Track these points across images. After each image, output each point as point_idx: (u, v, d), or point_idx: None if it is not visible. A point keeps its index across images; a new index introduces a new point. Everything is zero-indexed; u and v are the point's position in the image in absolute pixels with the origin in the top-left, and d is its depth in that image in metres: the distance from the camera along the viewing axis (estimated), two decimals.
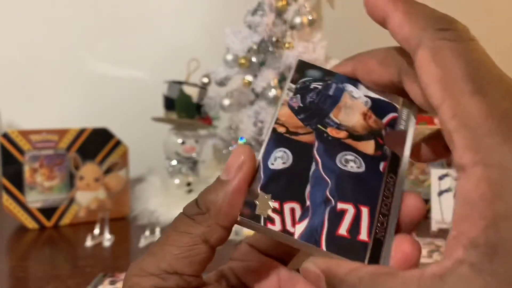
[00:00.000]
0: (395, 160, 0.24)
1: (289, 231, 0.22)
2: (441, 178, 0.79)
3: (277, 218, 0.22)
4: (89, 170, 0.84)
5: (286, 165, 0.24)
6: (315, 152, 0.24)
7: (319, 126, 0.25)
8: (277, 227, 0.22)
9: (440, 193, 0.79)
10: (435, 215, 0.77)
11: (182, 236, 0.23)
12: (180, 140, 0.90)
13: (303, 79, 0.26)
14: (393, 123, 0.25)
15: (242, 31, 0.85)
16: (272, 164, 0.24)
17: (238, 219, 0.23)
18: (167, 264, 0.23)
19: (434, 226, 0.76)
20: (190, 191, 0.89)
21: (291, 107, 0.26)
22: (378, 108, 0.25)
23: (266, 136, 0.25)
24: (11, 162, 0.79)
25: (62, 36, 1.18)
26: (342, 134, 0.25)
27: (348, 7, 1.24)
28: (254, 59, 0.84)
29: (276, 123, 0.25)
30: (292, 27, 0.84)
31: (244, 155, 0.23)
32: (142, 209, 0.86)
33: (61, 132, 0.82)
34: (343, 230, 0.22)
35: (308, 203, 0.23)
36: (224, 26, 0.87)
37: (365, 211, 0.22)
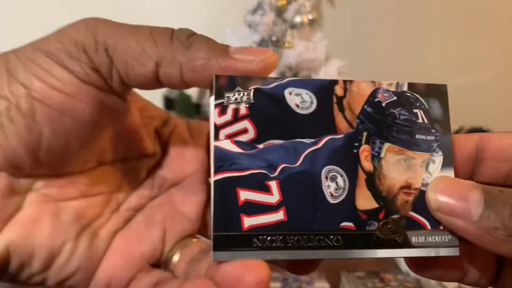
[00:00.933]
0: (359, 241, 0.20)
1: (219, 135, 0.19)
2: None
3: (229, 115, 0.20)
4: None
5: (295, 109, 0.20)
6: (328, 137, 0.20)
7: (365, 133, 0.20)
8: (220, 119, 0.19)
9: None
10: None
11: (147, 39, 0.19)
12: None
13: (422, 97, 0.21)
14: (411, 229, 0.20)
15: (242, 30, 0.85)
16: (290, 94, 0.20)
17: (213, 76, 0.19)
18: (109, 50, 0.19)
19: None
20: None
21: (374, 95, 0.21)
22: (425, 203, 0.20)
23: (323, 78, 0.20)
24: None
25: None
26: (367, 165, 0.20)
27: (348, 6, 1.24)
28: None
29: (346, 82, 0.21)
30: (292, 26, 0.84)
31: (272, 58, 0.20)
32: None
33: None
34: (248, 196, 0.19)
35: (261, 146, 0.20)
36: (224, 26, 0.86)
37: (279, 216, 0.19)
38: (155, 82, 0.20)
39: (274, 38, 0.82)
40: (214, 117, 0.20)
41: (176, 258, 0.22)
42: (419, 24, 1.29)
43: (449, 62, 1.27)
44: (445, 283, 0.59)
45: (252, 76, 0.20)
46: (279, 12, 0.84)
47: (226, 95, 0.20)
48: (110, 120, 0.21)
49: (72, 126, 0.19)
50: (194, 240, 0.23)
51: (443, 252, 0.20)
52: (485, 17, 1.28)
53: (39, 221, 0.20)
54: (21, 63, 0.19)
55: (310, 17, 0.84)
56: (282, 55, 0.82)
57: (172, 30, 0.20)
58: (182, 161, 0.24)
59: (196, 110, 0.91)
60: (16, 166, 0.19)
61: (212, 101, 0.20)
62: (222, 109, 0.20)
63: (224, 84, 0.20)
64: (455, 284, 0.58)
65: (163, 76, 0.20)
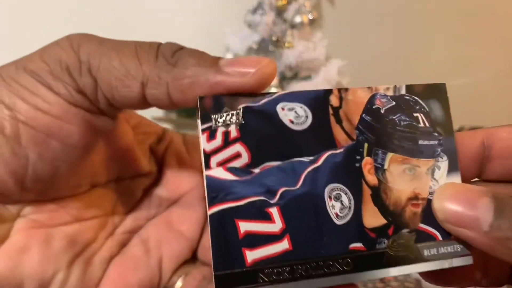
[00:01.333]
0: (370, 262, 0.18)
1: (210, 163, 0.18)
2: None
3: (219, 139, 0.18)
4: None
5: (289, 125, 0.18)
6: (328, 153, 0.19)
7: (366, 145, 0.19)
8: (209, 145, 0.18)
9: None
10: None
11: (131, 57, 0.18)
12: None
13: (421, 99, 0.20)
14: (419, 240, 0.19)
15: (242, 30, 0.85)
16: (282, 109, 0.19)
17: (197, 98, 0.18)
18: (92, 71, 0.18)
19: None
20: None
21: (371, 101, 0.19)
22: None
23: (314, 89, 0.19)
24: None
25: (61, 36, 1.17)
26: (371, 179, 0.19)
27: (348, 6, 1.24)
28: None
29: (340, 91, 0.19)
30: (293, 26, 0.84)
31: (268, 67, 0.18)
32: None
33: None
34: (248, 227, 0.18)
35: (257, 171, 0.18)
36: (224, 26, 0.86)
37: (283, 246, 0.18)
38: (142, 104, 0.19)
39: (274, 38, 0.82)
40: (203, 144, 0.18)
41: (178, 286, 0.21)
42: (419, 24, 1.29)
43: (449, 62, 1.27)
44: None
45: (249, 91, 0.18)
46: (279, 12, 0.84)
47: (213, 117, 0.18)
48: (101, 141, 0.20)
49: (60, 150, 0.18)
50: (195, 264, 0.22)
51: (456, 262, 0.19)
52: (485, 17, 1.28)
53: (27, 249, 0.19)
54: (5, 83, 0.18)
55: (310, 17, 0.84)
56: (282, 55, 0.82)
57: (158, 45, 0.19)
58: (178, 178, 0.23)
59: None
60: (1, 193, 0.18)
61: (198, 125, 0.18)
62: (211, 134, 0.18)
63: (210, 106, 0.18)
64: None
65: (150, 98, 0.18)
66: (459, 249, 0.20)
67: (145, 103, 0.19)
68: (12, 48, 1.18)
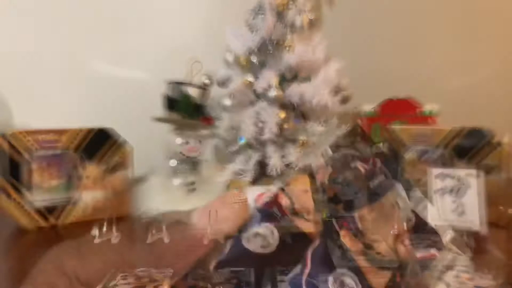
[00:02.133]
0: None
1: None
2: (437, 176, 0.79)
3: None
4: (92, 170, 0.84)
5: (264, 251, 0.16)
6: (309, 252, 0.17)
7: (333, 220, 0.18)
8: None
9: (436, 191, 0.79)
10: (431, 212, 0.77)
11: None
12: (182, 141, 0.90)
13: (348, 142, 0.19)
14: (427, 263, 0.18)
15: (243, 32, 0.85)
16: (248, 240, 0.16)
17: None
18: (81, 280, 0.18)
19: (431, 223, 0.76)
20: (193, 189, 0.90)
21: (313, 181, 0.18)
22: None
23: (261, 201, 0.18)
24: (10, 162, 0.79)
25: (63, 36, 1.18)
26: (356, 247, 0.17)
27: (348, 7, 1.24)
28: (254, 60, 0.84)
29: (283, 191, 0.18)
30: (292, 27, 0.84)
31: None
32: (145, 208, 0.86)
33: (62, 132, 0.82)
34: None
35: None
36: (225, 26, 0.87)
37: None
38: None
39: (274, 39, 0.82)
40: None
41: None
42: (419, 24, 1.29)
43: (449, 62, 1.27)
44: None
45: None
46: (279, 13, 0.84)
47: None
48: None
49: None
50: None
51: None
52: (485, 17, 1.28)
53: None
54: None
55: (310, 18, 0.84)
56: (282, 56, 0.82)
57: None
58: None
59: (197, 111, 0.91)
60: None
61: None
62: None
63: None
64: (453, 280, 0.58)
65: None
66: (456, 252, 0.19)
67: None
68: (13, 48, 1.18)
